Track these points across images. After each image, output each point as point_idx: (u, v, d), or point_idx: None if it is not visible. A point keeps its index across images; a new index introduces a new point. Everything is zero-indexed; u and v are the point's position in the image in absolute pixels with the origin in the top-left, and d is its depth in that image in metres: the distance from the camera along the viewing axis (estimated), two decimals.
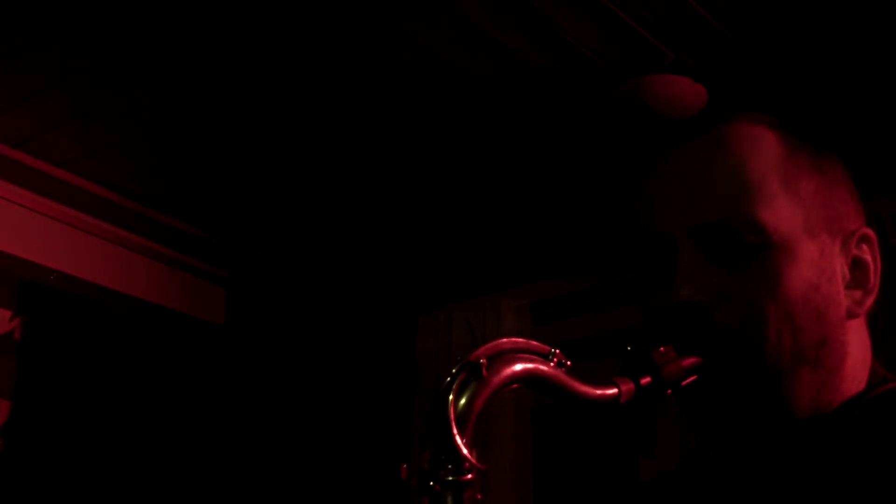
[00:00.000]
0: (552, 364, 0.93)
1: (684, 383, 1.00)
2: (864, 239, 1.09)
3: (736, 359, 1.01)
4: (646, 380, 0.98)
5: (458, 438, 0.85)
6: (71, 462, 3.32)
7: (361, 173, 3.34)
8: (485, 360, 0.89)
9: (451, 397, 0.87)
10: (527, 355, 0.92)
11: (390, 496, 3.65)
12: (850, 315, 1.07)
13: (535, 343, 0.94)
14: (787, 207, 1.04)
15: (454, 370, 0.89)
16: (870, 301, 1.08)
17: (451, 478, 0.84)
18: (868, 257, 1.09)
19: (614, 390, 0.96)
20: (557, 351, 0.94)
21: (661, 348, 0.99)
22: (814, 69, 2.71)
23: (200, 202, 3.60)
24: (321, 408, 3.87)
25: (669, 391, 0.99)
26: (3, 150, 3.24)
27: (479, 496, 0.86)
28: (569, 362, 0.94)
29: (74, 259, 3.44)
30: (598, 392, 0.95)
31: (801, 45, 2.62)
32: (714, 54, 2.66)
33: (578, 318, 3.54)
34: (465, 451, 0.85)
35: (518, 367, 0.91)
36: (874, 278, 1.08)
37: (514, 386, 0.91)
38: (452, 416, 0.86)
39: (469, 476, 0.85)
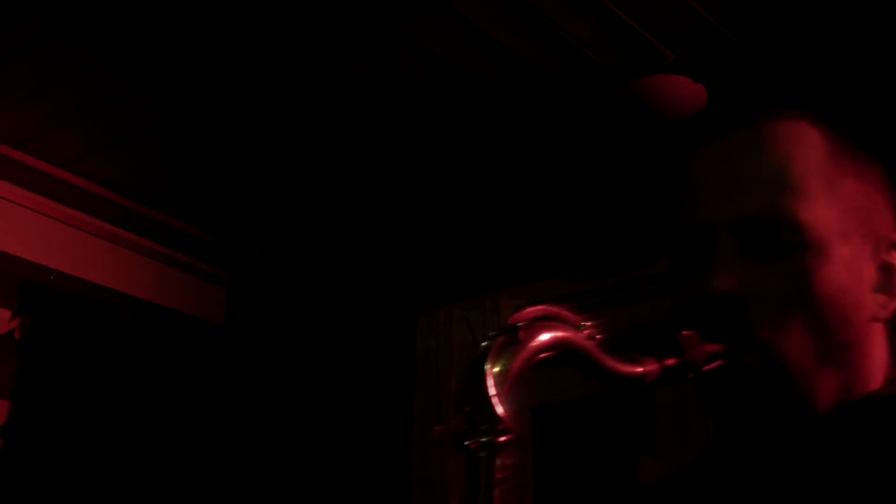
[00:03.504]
0: (585, 335, 0.94)
1: (706, 368, 1.01)
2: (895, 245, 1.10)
3: (761, 355, 1.02)
4: (670, 361, 0.98)
5: (495, 400, 0.85)
6: (71, 462, 3.32)
7: (361, 173, 3.34)
8: (523, 325, 0.90)
9: (489, 360, 0.87)
10: (561, 324, 0.93)
11: (390, 495, 3.65)
12: (875, 319, 1.07)
13: (568, 312, 0.94)
14: (825, 208, 1.04)
15: (491, 334, 0.90)
16: (894, 306, 1.08)
17: (486, 438, 0.85)
18: None
19: (641, 369, 0.97)
20: (590, 323, 0.95)
21: (686, 332, 1.00)
22: (814, 69, 2.71)
23: (200, 202, 3.60)
24: (321, 408, 3.87)
25: (691, 375, 1.00)
26: (3, 150, 3.24)
27: (510, 461, 0.86)
28: (599, 336, 0.95)
29: (74, 259, 3.44)
30: (626, 369, 0.96)
31: (801, 44, 2.62)
32: (714, 54, 2.66)
33: None
34: (502, 412, 0.85)
35: (554, 334, 0.91)
36: None
37: (548, 354, 0.91)
38: (490, 378, 0.86)
39: (504, 438, 0.85)
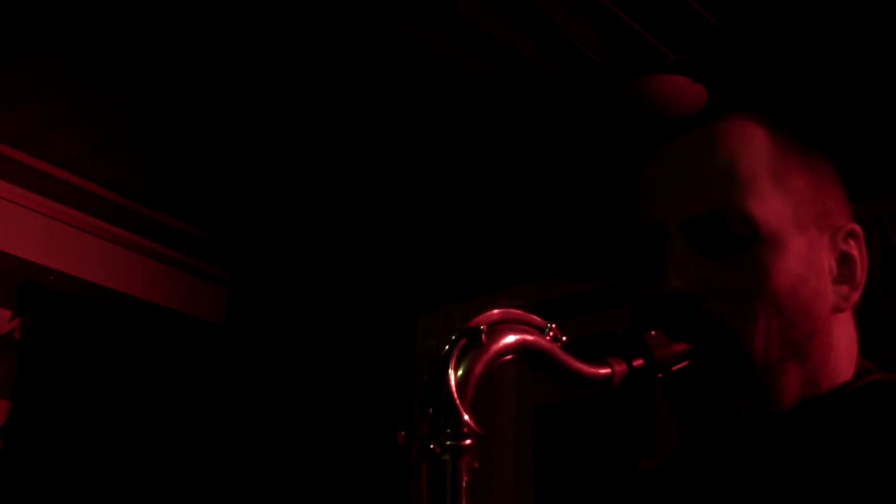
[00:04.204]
0: (548, 338, 0.93)
1: (675, 368, 1.00)
2: (852, 235, 1.10)
3: (724, 351, 1.02)
4: (638, 362, 0.98)
5: (458, 402, 0.85)
6: (71, 462, 3.32)
7: (361, 173, 3.34)
8: (485, 328, 0.89)
9: (451, 363, 0.87)
10: (525, 327, 0.92)
11: (390, 495, 3.65)
12: (837, 310, 1.08)
13: (532, 316, 0.94)
14: (776, 202, 1.05)
15: (453, 337, 0.89)
16: (856, 296, 1.09)
17: (449, 442, 0.84)
18: (855, 253, 1.10)
19: (608, 370, 0.96)
20: (553, 326, 0.94)
21: (653, 332, 1.00)
22: (814, 69, 2.71)
23: (200, 202, 3.60)
24: (321, 408, 3.87)
25: (660, 375, 1.00)
26: (3, 150, 3.24)
27: (476, 464, 0.85)
28: (564, 338, 0.94)
29: (74, 259, 3.44)
30: (592, 371, 0.96)
31: (801, 44, 2.62)
32: (714, 54, 2.66)
33: (578, 318, 3.53)
34: (465, 415, 0.85)
35: (516, 337, 0.91)
36: (861, 274, 1.09)
37: (511, 356, 0.90)
38: (452, 380, 0.86)
39: (468, 441, 0.84)
